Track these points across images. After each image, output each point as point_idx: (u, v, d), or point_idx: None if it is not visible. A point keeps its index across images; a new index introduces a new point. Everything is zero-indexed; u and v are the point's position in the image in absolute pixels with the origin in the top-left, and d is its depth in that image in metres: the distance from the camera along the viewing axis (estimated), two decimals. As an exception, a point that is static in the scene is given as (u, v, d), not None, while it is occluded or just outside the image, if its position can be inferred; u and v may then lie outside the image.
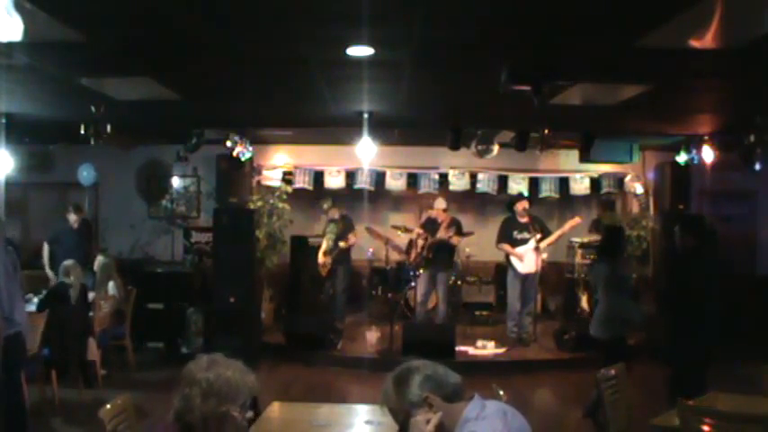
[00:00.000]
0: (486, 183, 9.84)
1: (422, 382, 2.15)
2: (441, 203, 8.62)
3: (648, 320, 8.12)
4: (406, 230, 8.97)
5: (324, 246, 9.07)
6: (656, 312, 8.08)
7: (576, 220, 8.55)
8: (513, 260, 8.23)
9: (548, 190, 9.94)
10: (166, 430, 2.24)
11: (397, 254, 9.29)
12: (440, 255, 8.46)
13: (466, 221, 9.94)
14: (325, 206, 9.11)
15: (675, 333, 5.40)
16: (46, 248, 8.23)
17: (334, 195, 9.51)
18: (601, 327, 5.62)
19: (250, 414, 2.28)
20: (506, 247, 8.26)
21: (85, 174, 9.26)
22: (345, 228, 9.01)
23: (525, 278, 8.22)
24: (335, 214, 9.05)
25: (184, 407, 2.16)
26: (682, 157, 8.30)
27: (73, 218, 8.13)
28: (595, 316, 5.79)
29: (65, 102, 6.28)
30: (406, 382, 2.17)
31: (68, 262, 6.30)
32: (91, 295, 6.75)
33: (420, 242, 8.62)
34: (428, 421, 2.11)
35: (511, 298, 8.42)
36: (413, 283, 8.94)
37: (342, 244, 8.90)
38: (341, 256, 9.01)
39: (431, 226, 8.59)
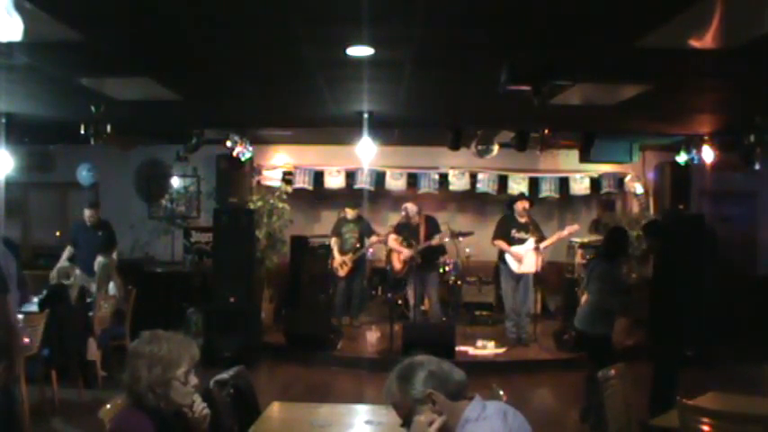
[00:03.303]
0: (486, 183, 9.84)
1: (426, 379, 2.13)
2: (411, 207, 8.53)
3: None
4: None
5: (338, 245, 9.05)
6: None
7: (575, 227, 8.55)
8: (508, 258, 8.20)
9: (548, 190, 9.94)
10: (132, 417, 2.29)
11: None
12: (426, 257, 8.43)
13: (466, 221, 9.95)
14: (349, 205, 9.12)
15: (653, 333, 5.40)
16: (68, 250, 7.82)
17: (335, 195, 9.48)
18: (586, 322, 5.55)
19: (195, 381, 2.38)
20: (502, 243, 8.21)
21: (85, 173, 9.26)
22: (365, 227, 9.07)
23: (519, 278, 8.20)
24: (354, 215, 9.07)
25: (132, 379, 2.30)
26: (682, 157, 8.29)
27: (87, 213, 7.87)
28: (583, 311, 5.66)
29: (65, 102, 6.28)
30: (409, 377, 2.15)
31: (65, 264, 6.40)
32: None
33: (396, 246, 8.52)
34: (431, 423, 2.09)
35: (505, 296, 8.41)
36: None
37: (373, 239, 8.98)
38: (361, 256, 9.07)
39: (405, 229, 8.54)
